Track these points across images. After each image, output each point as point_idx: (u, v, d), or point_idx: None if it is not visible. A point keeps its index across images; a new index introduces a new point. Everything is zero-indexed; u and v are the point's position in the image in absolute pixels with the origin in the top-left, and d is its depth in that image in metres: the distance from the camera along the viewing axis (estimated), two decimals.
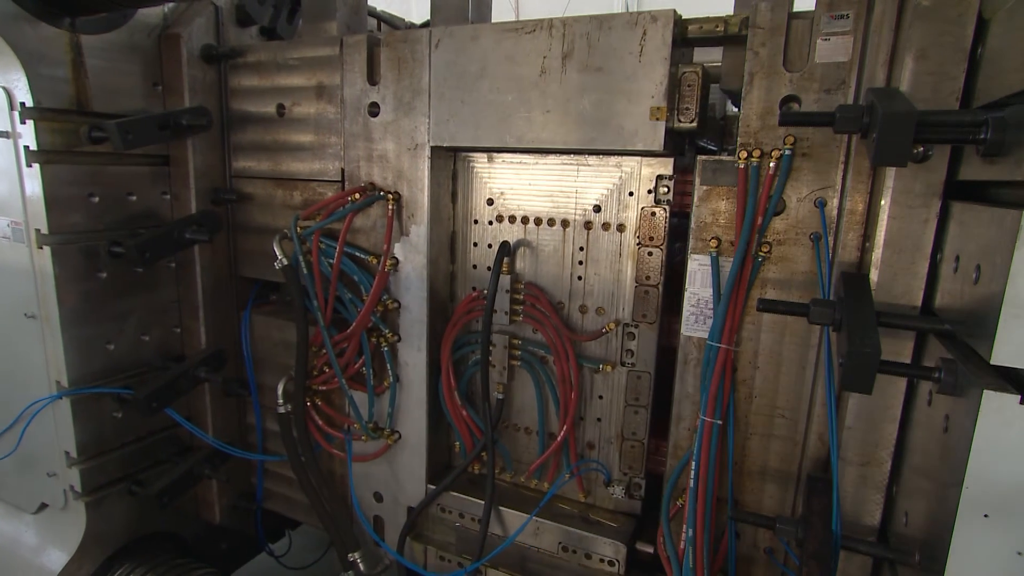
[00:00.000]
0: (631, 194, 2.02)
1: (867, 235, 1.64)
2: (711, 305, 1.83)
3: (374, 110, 2.23)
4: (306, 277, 2.30)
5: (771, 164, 1.69)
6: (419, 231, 2.23)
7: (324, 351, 2.38)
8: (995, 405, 1.01)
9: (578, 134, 1.92)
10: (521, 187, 2.20)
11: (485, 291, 2.21)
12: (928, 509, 1.34)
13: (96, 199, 2.26)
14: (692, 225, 1.83)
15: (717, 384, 1.79)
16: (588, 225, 2.10)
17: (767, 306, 1.59)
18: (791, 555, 1.83)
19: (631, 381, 2.13)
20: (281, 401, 2.50)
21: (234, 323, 2.74)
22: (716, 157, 1.80)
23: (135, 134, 2.15)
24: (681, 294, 1.89)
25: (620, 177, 2.03)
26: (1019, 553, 1.05)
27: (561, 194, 2.13)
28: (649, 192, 2.00)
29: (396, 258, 2.29)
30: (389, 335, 2.34)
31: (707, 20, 1.79)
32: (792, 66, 1.65)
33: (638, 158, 1.99)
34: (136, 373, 2.49)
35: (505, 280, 2.18)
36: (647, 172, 1.99)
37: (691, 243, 1.84)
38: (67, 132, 2.14)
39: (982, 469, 1.04)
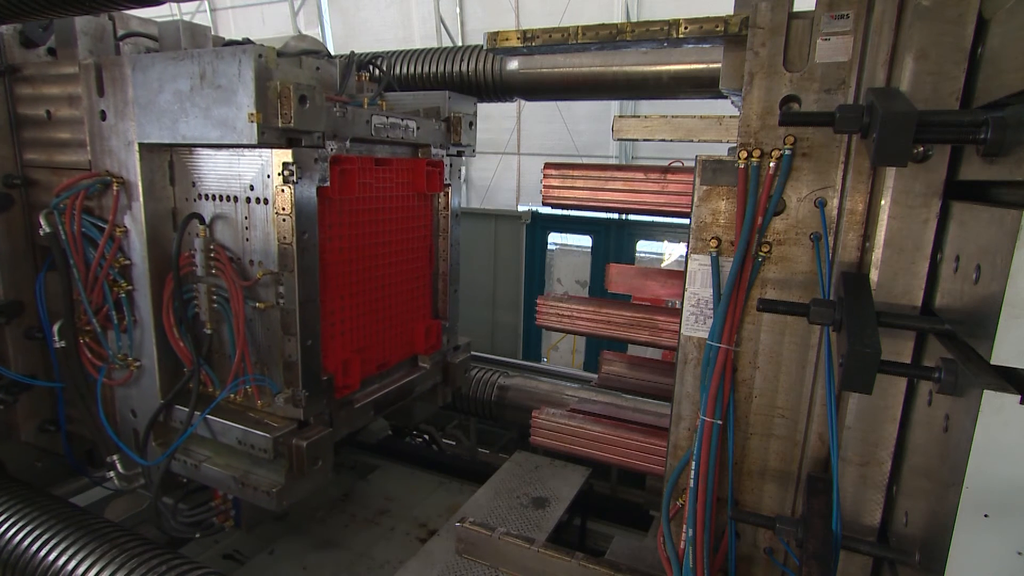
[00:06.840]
0: (268, 176, 2.75)
1: (867, 235, 1.64)
2: (711, 305, 1.84)
3: (103, 116, 2.97)
4: (64, 242, 3.05)
5: (771, 164, 1.70)
6: (138, 207, 2.97)
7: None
8: (995, 405, 1.00)
9: (214, 132, 2.65)
10: (210, 172, 2.93)
11: (190, 252, 2.95)
12: (928, 509, 1.33)
13: None
14: (692, 225, 1.85)
15: (717, 384, 1.81)
16: (248, 200, 2.84)
17: (767, 306, 1.59)
18: (791, 555, 1.81)
19: (283, 316, 2.86)
20: (57, 339, 3.24)
21: (33, 281, 3.48)
22: (717, 156, 1.83)
23: None
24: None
25: (262, 164, 2.76)
26: (1019, 553, 1.04)
27: (232, 177, 2.86)
28: (279, 175, 2.72)
29: (125, 227, 3.02)
30: (124, 284, 3.08)
31: (707, 20, 1.81)
32: (792, 66, 1.67)
33: (271, 149, 2.71)
34: None
35: (202, 242, 2.92)
36: (277, 160, 2.72)
37: (691, 243, 1.85)
38: None
39: (982, 469, 1.04)
